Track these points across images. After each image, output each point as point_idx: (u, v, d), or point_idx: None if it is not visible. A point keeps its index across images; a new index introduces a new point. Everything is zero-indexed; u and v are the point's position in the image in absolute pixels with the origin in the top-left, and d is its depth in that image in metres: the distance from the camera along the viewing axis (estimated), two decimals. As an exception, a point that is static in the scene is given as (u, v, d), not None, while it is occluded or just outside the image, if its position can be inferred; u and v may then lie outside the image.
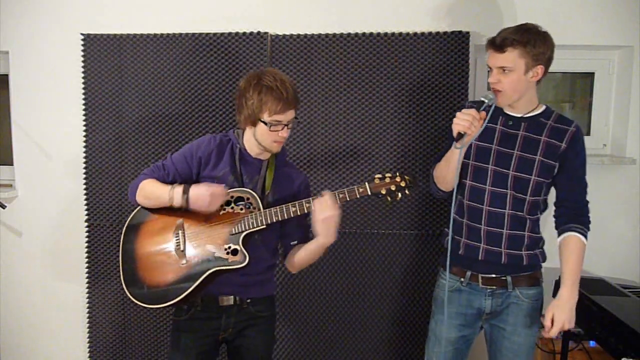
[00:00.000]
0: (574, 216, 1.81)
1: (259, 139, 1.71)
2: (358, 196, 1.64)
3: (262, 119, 1.66)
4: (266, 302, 1.84)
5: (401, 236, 2.47)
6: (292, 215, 1.65)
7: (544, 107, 1.83)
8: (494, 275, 1.83)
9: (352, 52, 2.42)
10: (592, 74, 2.60)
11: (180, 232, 1.72)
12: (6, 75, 2.70)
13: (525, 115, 1.80)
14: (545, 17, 2.40)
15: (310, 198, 1.66)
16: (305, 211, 1.66)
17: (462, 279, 1.86)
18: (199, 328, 1.77)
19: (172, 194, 1.67)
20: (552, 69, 2.59)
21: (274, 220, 1.66)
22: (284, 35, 2.45)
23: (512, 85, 1.71)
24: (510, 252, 1.80)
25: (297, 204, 1.66)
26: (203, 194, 1.64)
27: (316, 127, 2.46)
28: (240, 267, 1.65)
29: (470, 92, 2.43)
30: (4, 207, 2.45)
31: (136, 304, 1.71)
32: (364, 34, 2.41)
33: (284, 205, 1.66)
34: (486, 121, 1.73)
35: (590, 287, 2.16)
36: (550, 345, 2.32)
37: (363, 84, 2.43)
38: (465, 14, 2.41)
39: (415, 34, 2.38)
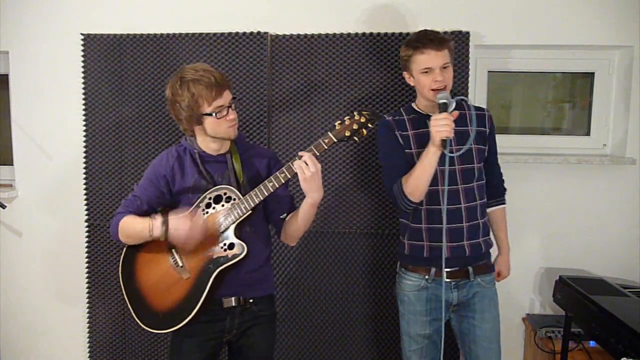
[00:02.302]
0: (497, 189, 2.06)
1: (212, 132, 1.69)
2: (326, 147, 1.63)
3: (204, 112, 1.64)
4: (267, 301, 1.84)
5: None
6: (271, 191, 1.64)
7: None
8: (457, 268, 1.90)
9: (352, 52, 2.42)
10: (592, 74, 2.60)
11: (173, 250, 1.72)
12: (6, 75, 2.70)
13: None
14: (546, 17, 2.41)
15: (287, 165, 1.64)
16: (282, 182, 1.64)
17: (427, 277, 1.91)
18: (202, 332, 1.76)
19: (152, 226, 1.64)
20: (552, 69, 2.64)
21: (257, 202, 1.65)
22: (284, 35, 2.45)
23: (450, 80, 1.84)
24: (471, 243, 1.90)
25: (272, 179, 1.64)
26: (182, 225, 1.60)
27: (316, 127, 2.46)
28: (242, 258, 1.65)
29: (471, 91, 2.43)
30: (4, 207, 2.45)
31: (158, 333, 1.71)
32: (364, 34, 2.41)
33: (261, 185, 1.65)
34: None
35: (590, 287, 2.16)
36: (550, 345, 2.32)
37: (363, 84, 2.43)
38: (465, 14, 2.41)
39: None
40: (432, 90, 1.81)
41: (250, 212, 1.67)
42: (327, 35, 2.43)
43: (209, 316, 1.74)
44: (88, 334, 2.67)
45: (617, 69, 2.55)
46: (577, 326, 2.26)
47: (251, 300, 1.78)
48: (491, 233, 2.04)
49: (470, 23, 2.40)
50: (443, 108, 1.75)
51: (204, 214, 1.68)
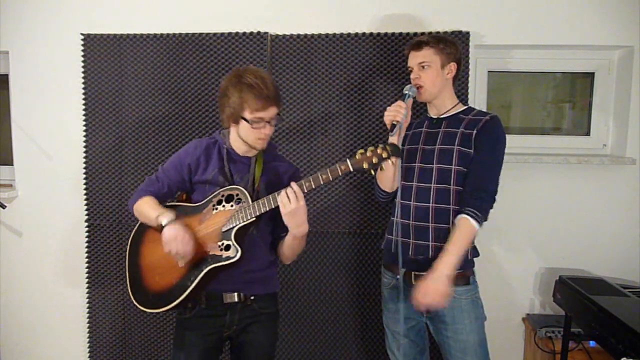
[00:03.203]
0: (471, 200, 1.80)
1: (243, 136, 1.73)
2: (340, 174, 1.62)
3: (244, 117, 1.68)
4: (269, 299, 1.85)
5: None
6: (278, 204, 1.64)
7: (465, 107, 1.96)
8: (424, 273, 1.84)
9: (352, 52, 2.42)
10: (592, 74, 2.60)
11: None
12: (6, 75, 2.70)
13: (445, 115, 1.93)
14: (546, 17, 2.41)
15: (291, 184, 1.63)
16: None
17: (398, 276, 1.92)
18: (204, 325, 1.79)
19: (160, 217, 1.69)
20: (552, 69, 2.64)
21: (262, 211, 1.66)
22: (284, 35, 2.45)
23: (431, 79, 1.88)
24: (437, 245, 1.84)
25: (281, 192, 1.64)
26: (174, 234, 1.63)
27: (316, 127, 2.46)
28: (233, 262, 1.65)
29: (471, 91, 2.44)
30: (4, 207, 2.45)
31: (142, 310, 1.74)
32: (364, 34, 2.41)
33: (270, 195, 1.66)
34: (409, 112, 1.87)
35: (590, 287, 2.16)
36: (550, 345, 2.32)
37: (363, 84, 2.43)
38: (465, 14, 2.41)
39: (415, 34, 2.38)
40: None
41: (254, 219, 1.67)
42: (327, 35, 2.43)
43: (210, 311, 1.77)
44: (88, 334, 2.67)
45: (617, 69, 2.55)
46: (577, 326, 2.26)
47: (252, 298, 1.79)
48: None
49: (470, 23, 2.40)
50: (402, 98, 1.87)
51: (213, 209, 1.71)
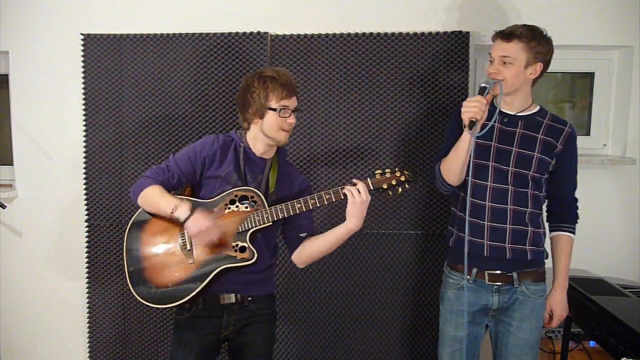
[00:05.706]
0: (565, 214, 1.90)
1: (267, 130, 1.73)
2: None
3: (270, 107, 1.71)
4: (267, 300, 1.86)
5: (404, 236, 2.47)
6: (297, 212, 1.69)
7: (538, 107, 1.89)
8: (499, 272, 1.84)
9: (352, 52, 2.42)
10: (592, 74, 2.60)
11: (185, 231, 1.73)
12: (6, 75, 2.70)
13: (521, 114, 1.86)
14: (546, 17, 2.40)
15: (316, 195, 1.69)
16: (310, 207, 1.69)
17: (469, 277, 1.86)
18: (201, 326, 1.79)
19: (177, 208, 1.67)
20: (552, 69, 2.60)
21: (280, 217, 1.70)
22: (284, 35, 2.45)
23: (511, 77, 1.77)
24: (514, 247, 1.83)
25: (302, 201, 1.69)
26: (203, 222, 1.65)
27: (316, 127, 2.46)
28: (249, 264, 1.68)
29: (470, 92, 2.43)
30: (4, 207, 2.45)
31: (144, 304, 1.73)
32: (364, 34, 2.41)
33: (289, 203, 1.69)
34: (498, 105, 1.82)
35: (590, 287, 2.16)
36: (550, 345, 2.32)
37: (363, 84, 2.43)
38: (465, 14, 2.41)
39: (415, 34, 2.38)
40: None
41: (270, 224, 1.70)
42: (327, 35, 2.43)
43: (208, 312, 1.78)
44: (88, 334, 2.67)
45: (617, 69, 2.56)
46: (577, 326, 2.26)
47: (249, 299, 1.79)
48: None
49: (470, 23, 2.40)
50: (480, 91, 1.74)
51: (226, 208, 1.72)
